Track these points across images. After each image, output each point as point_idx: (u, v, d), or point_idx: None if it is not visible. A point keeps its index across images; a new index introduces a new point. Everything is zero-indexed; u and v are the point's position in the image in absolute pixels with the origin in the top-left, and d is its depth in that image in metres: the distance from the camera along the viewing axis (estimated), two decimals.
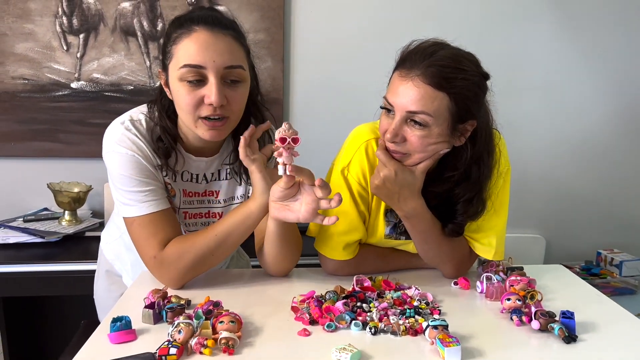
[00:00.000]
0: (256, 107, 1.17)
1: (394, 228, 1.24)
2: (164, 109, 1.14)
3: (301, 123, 2.28)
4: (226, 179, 1.25)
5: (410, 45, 1.09)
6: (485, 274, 1.16)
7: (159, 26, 2.13)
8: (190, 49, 1.02)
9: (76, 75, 2.12)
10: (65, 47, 2.10)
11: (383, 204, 1.22)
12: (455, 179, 1.14)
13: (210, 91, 1.02)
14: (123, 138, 1.10)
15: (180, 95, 1.05)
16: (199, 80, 1.03)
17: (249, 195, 1.21)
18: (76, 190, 2.06)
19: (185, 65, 1.02)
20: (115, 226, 1.37)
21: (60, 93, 2.12)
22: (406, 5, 2.23)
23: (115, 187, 1.13)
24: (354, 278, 1.14)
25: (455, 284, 1.19)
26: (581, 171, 2.46)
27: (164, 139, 1.13)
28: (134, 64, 2.13)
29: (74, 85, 2.12)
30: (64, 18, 2.07)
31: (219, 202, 1.25)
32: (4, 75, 2.09)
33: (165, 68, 1.09)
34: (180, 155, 1.16)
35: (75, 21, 2.08)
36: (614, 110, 2.42)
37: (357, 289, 1.12)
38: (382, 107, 1.10)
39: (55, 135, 2.15)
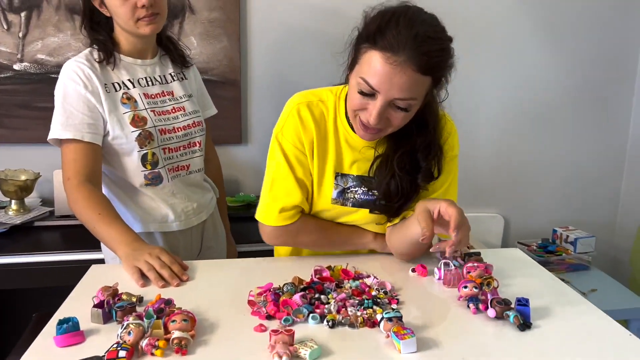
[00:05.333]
0: None
1: (342, 193, 1.22)
2: (96, 25, 1.38)
3: (259, 103, 2.24)
4: (173, 80, 1.49)
5: (385, 16, 1.02)
6: (443, 261, 1.16)
7: None
8: None
9: (19, 56, 2.00)
10: (5, 27, 1.98)
11: (330, 166, 1.20)
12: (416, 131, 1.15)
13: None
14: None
15: (117, 7, 1.29)
16: None
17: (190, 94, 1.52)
18: (23, 178, 1.96)
19: None
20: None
21: (2, 75, 2.01)
22: None
23: None
24: (313, 268, 1.13)
25: (413, 270, 1.19)
26: (538, 149, 2.51)
27: (103, 45, 1.36)
28: (82, 45, 2.02)
29: (16, 67, 2.01)
30: None
31: (176, 99, 1.47)
32: None
33: None
34: (118, 57, 1.39)
35: None
36: (570, 85, 2.45)
37: (315, 279, 1.10)
38: (361, 92, 1.04)
39: None
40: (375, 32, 1.01)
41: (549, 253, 2.32)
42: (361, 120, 1.09)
